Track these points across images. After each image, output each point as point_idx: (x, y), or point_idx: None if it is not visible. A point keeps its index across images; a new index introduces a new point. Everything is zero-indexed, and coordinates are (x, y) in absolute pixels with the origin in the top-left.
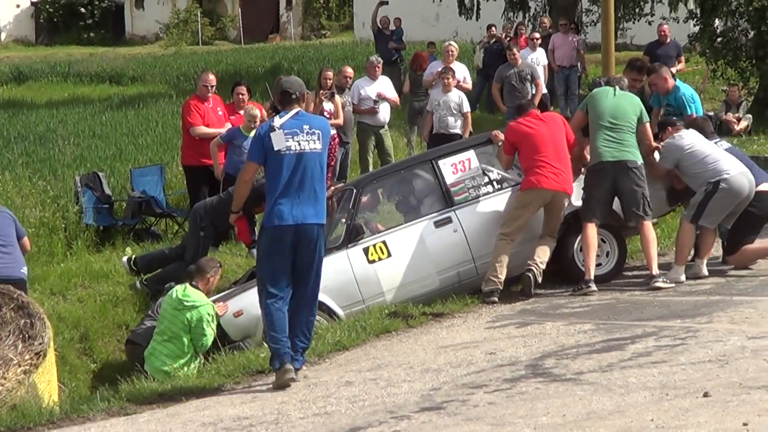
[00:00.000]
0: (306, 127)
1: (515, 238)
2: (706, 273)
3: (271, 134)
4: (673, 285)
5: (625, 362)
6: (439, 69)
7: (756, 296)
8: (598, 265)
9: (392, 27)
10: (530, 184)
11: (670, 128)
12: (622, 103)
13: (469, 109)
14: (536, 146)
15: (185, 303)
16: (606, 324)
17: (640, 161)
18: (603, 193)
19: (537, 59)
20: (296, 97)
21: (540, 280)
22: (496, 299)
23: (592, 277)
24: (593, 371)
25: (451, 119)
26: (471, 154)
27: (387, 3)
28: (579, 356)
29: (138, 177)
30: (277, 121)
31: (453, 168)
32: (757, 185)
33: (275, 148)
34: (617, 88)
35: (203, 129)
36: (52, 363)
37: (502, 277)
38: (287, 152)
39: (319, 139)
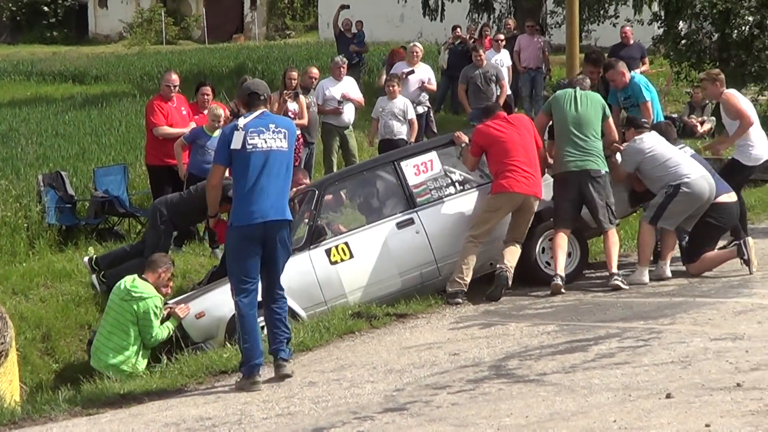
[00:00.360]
0: (272, 126)
1: (483, 241)
2: (669, 274)
3: (235, 133)
4: (628, 287)
5: (588, 363)
6: (405, 70)
7: (719, 298)
8: None
9: (354, 30)
10: (501, 188)
11: (633, 129)
12: (585, 110)
13: (414, 116)
14: (507, 150)
15: (133, 294)
16: (569, 325)
17: (604, 170)
18: (570, 201)
19: (501, 60)
20: (264, 98)
21: (510, 284)
22: (460, 301)
23: (560, 273)
24: (556, 372)
25: (396, 124)
26: (433, 155)
27: (348, 7)
28: (542, 357)
29: (101, 176)
30: (241, 122)
31: (415, 169)
32: (716, 196)
33: (232, 147)
34: (578, 89)
35: (166, 129)
36: (13, 363)
37: (468, 279)
38: (254, 150)
39: (285, 137)
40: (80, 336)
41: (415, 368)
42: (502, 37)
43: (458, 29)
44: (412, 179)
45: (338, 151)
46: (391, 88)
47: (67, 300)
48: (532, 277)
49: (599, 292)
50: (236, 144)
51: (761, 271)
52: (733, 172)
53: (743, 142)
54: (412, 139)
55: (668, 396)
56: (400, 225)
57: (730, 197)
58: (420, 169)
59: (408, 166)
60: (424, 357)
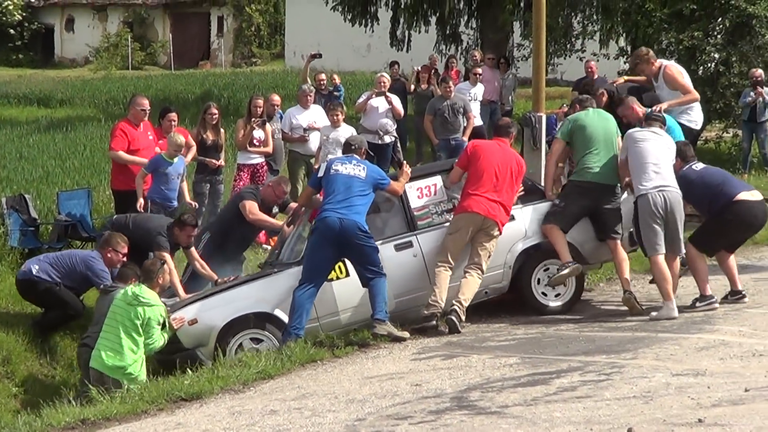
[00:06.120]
0: (354, 161)
1: (452, 264)
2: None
3: (322, 165)
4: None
5: (550, 396)
6: (363, 98)
7: (681, 333)
8: (557, 295)
9: (330, 87)
10: (462, 209)
11: (645, 122)
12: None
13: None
14: (481, 173)
15: (141, 299)
16: (531, 358)
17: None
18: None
19: (476, 94)
20: (354, 147)
21: (463, 317)
22: (435, 323)
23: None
24: (518, 405)
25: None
26: (438, 179)
27: (320, 56)
28: (504, 389)
29: (65, 200)
30: (330, 158)
31: (419, 192)
32: (734, 196)
33: (318, 175)
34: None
35: (122, 155)
36: None
37: (442, 302)
38: (336, 173)
39: (363, 170)
40: (41, 360)
41: (377, 398)
42: (479, 70)
43: (396, 66)
44: (414, 202)
45: (304, 179)
46: (335, 117)
47: (28, 324)
48: (526, 304)
49: (562, 326)
50: (321, 172)
51: (723, 307)
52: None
53: (684, 108)
54: None
55: (630, 431)
56: (399, 247)
57: (752, 195)
58: (423, 192)
59: (411, 189)
60: (386, 387)
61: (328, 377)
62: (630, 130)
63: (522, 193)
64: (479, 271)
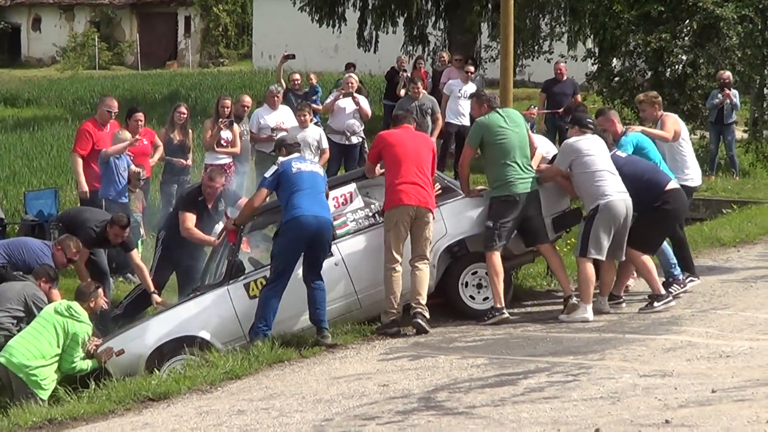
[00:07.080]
0: (309, 160)
1: (400, 262)
2: (609, 309)
3: (272, 167)
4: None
5: (517, 397)
6: (331, 99)
7: (648, 334)
8: (485, 298)
9: (306, 87)
10: (392, 202)
11: (576, 128)
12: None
13: (327, 146)
14: (399, 162)
15: (72, 312)
16: (499, 358)
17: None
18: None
19: (465, 92)
20: (296, 146)
21: (428, 316)
22: (396, 328)
23: (503, 304)
24: (485, 405)
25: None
26: (352, 187)
27: (293, 57)
28: (472, 390)
29: (32, 200)
30: (279, 160)
31: (334, 201)
32: (666, 185)
33: (268, 176)
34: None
35: (79, 163)
36: None
37: (398, 307)
38: (299, 171)
39: (319, 167)
40: None
41: (344, 398)
42: (472, 68)
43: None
44: (331, 211)
45: None
46: (302, 118)
47: None
48: (455, 309)
49: (529, 326)
50: (268, 174)
51: (690, 308)
52: None
53: (679, 166)
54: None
55: (597, 431)
56: None
57: (675, 183)
58: (339, 201)
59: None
60: (354, 387)
61: (295, 377)
62: (569, 141)
63: (439, 191)
64: (426, 261)
